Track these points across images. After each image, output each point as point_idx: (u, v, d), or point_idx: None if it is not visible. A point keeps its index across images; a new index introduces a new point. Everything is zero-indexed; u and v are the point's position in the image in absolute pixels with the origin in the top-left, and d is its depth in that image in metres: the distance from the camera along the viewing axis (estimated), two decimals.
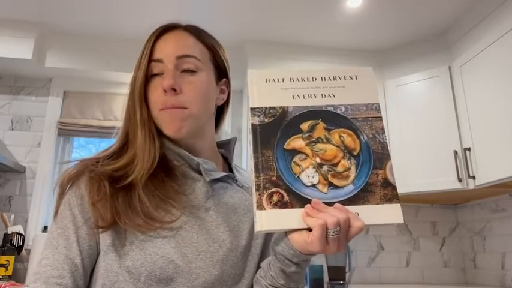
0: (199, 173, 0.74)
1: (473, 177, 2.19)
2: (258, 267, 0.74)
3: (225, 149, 0.85)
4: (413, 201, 2.73)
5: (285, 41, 2.72)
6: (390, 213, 0.57)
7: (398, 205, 0.58)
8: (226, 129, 2.71)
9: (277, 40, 2.71)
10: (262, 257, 0.76)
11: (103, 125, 2.76)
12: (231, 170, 0.82)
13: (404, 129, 2.48)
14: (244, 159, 2.61)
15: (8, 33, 2.53)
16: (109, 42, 2.73)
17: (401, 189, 2.07)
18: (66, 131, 2.75)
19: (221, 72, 0.80)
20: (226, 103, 0.84)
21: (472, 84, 2.27)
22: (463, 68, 2.35)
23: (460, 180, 2.24)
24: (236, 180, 0.79)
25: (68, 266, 0.64)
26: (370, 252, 2.73)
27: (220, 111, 0.84)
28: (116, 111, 2.80)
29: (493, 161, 2.08)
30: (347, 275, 2.53)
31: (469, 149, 2.24)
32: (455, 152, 2.29)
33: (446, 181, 2.30)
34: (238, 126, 2.86)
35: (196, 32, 0.78)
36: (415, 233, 2.79)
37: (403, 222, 0.57)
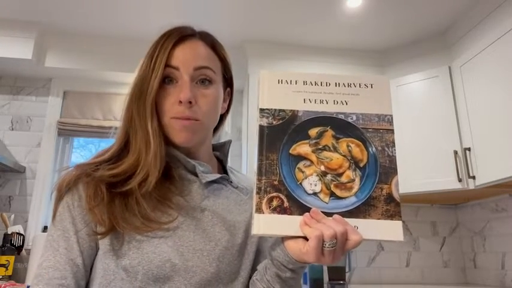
0: (195, 175, 0.74)
1: (473, 177, 2.19)
2: (254, 265, 0.75)
3: (220, 152, 0.86)
4: (413, 201, 2.73)
5: (285, 41, 2.72)
6: (390, 230, 0.56)
7: (400, 222, 0.56)
8: (226, 130, 2.71)
9: (277, 40, 2.71)
10: (257, 255, 0.76)
11: (103, 125, 2.76)
12: (225, 172, 0.83)
13: (404, 129, 2.48)
14: (244, 159, 2.60)
15: (8, 33, 2.53)
16: (109, 42, 2.73)
17: (401, 189, 2.08)
18: (66, 131, 2.75)
19: (227, 83, 0.83)
20: (227, 112, 0.85)
21: (472, 84, 2.27)
22: (463, 68, 2.35)
23: (460, 180, 2.24)
24: (231, 182, 0.80)
25: (70, 267, 0.64)
26: (370, 252, 2.73)
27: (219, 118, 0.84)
28: (115, 111, 2.80)
29: (493, 161, 2.08)
30: (347, 275, 2.53)
31: (469, 149, 2.24)
32: (455, 152, 2.29)
33: (446, 181, 2.30)
34: (238, 126, 2.86)
35: (211, 42, 0.78)
36: (415, 233, 2.79)
37: (402, 240, 0.56)
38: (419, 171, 2.37)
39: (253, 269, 0.74)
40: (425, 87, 2.51)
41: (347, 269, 2.38)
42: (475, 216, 2.67)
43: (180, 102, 0.70)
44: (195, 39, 0.76)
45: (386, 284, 2.64)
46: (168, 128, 0.72)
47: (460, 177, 2.25)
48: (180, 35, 0.75)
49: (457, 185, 2.25)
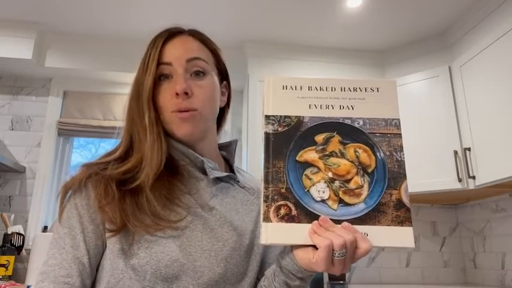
0: (203, 172, 0.75)
1: (473, 177, 2.19)
2: (260, 266, 0.75)
3: (226, 151, 0.86)
4: (413, 201, 2.72)
5: (285, 41, 2.72)
6: (401, 237, 0.55)
7: (411, 228, 0.56)
8: (226, 129, 2.70)
9: (277, 40, 2.71)
10: (264, 256, 0.77)
11: (103, 125, 2.76)
12: (232, 172, 0.83)
13: (404, 129, 2.47)
14: (245, 160, 2.60)
15: (8, 33, 2.52)
16: (109, 42, 2.73)
17: None
18: (66, 131, 2.75)
19: (222, 76, 0.83)
20: (227, 105, 0.86)
21: (472, 84, 2.27)
22: (463, 68, 2.35)
23: (460, 180, 2.24)
24: (238, 181, 0.80)
25: (76, 265, 0.64)
26: (370, 252, 2.72)
27: (220, 113, 0.85)
28: (115, 111, 2.80)
29: (493, 161, 2.08)
30: (347, 275, 2.53)
31: (469, 149, 2.24)
32: (455, 152, 2.29)
33: (446, 181, 2.30)
34: (239, 127, 2.86)
35: (200, 36, 0.80)
36: (415, 233, 2.79)
37: (413, 246, 0.55)
38: (419, 171, 2.37)
39: (260, 270, 0.75)
40: (425, 87, 2.51)
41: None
42: (475, 216, 2.67)
43: (177, 94, 0.70)
44: (185, 35, 0.78)
45: (386, 284, 2.64)
46: (169, 124, 0.72)
47: (460, 177, 2.25)
48: (169, 33, 0.76)
49: (457, 185, 2.26)
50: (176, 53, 0.74)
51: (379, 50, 2.80)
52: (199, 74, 0.74)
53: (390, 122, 0.61)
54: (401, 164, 0.58)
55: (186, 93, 0.71)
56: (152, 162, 0.68)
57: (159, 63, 0.73)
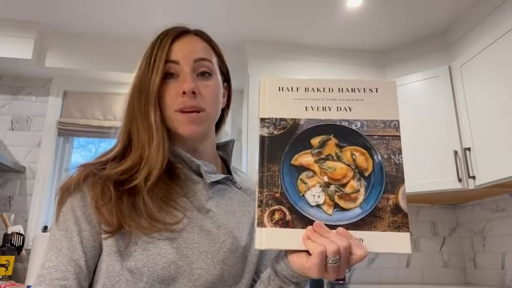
0: (200, 175, 0.74)
1: (473, 177, 2.19)
2: (256, 267, 0.75)
3: (223, 151, 0.86)
4: (413, 201, 2.73)
5: (285, 41, 2.72)
6: (397, 242, 0.54)
7: (407, 234, 0.54)
8: (226, 130, 2.70)
9: (277, 40, 2.71)
10: (260, 257, 0.77)
11: (103, 125, 2.75)
12: (229, 172, 0.83)
13: (404, 130, 2.47)
14: (244, 160, 2.60)
15: (8, 33, 2.53)
16: (109, 42, 2.73)
17: None
18: (66, 131, 2.75)
19: (225, 77, 0.83)
20: (227, 107, 0.86)
21: (472, 84, 2.27)
22: (463, 68, 2.35)
23: (460, 180, 2.24)
24: (235, 182, 0.80)
25: (72, 268, 0.64)
26: (370, 252, 2.72)
27: (220, 115, 0.85)
28: (116, 111, 2.80)
29: (493, 161, 2.08)
30: (347, 275, 2.53)
31: (469, 149, 2.24)
32: (455, 152, 2.29)
33: (446, 181, 2.30)
34: (238, 127, 2.86)
35: (206, 37, 0.80)
36: (415, 233, 2.79)
37: (410, 252, 0.54)
38: (419, 171, 2.37)
39: (256, 272, 0.74)
40: (425, 87, 2.51)
41: (347, 269, 2.38)
42: (475, 216, 2.67)
43: (184, 93, 0.70)
44: (191, 35, 0.78)
45: (386, 284, 2.64)
46: (172, 122, 0.72)
47: (460, 177, 2.25)
48: (177, 32, 0.76)
49: (457, 185, 2.25)
50: (184, 52, 0.74)
51: (379, 50, 2.80)
52: (205, 74, 0.75)
53: (389, 124, 0.59)
54: (399, 168, 0.57)
55: (194, 93, 0.71)
56: (158, 161, 0.67)
57: (166, 61, 0.72)
